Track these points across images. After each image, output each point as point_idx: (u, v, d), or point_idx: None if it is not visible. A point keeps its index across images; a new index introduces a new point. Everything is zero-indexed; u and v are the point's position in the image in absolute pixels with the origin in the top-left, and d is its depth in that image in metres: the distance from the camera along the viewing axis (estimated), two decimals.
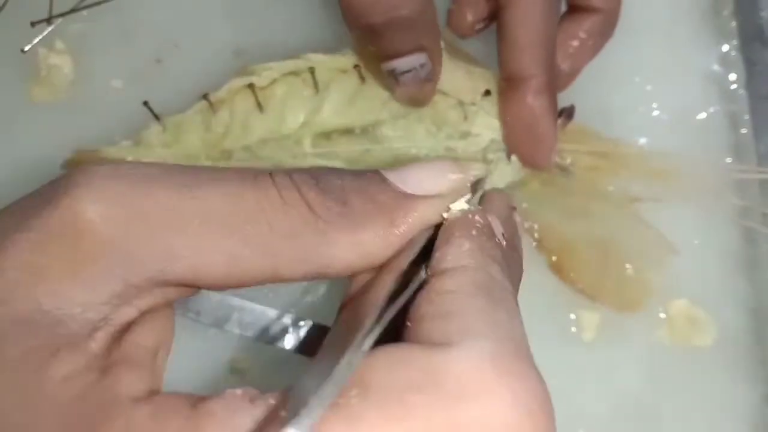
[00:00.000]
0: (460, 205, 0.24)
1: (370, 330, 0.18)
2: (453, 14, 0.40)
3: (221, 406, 0.17)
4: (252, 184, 0.21)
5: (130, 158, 0.36)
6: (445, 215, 0.23)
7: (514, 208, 0.28)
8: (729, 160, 0.42)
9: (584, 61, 0.40)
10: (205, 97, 0.36)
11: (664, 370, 0.39)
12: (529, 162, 0.37)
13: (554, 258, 0.38)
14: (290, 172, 0.21)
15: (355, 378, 0.17)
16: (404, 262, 0.21)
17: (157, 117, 0.37)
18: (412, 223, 0.22)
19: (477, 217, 0.23)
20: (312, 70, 0.37)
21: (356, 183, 0.22)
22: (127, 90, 0.41)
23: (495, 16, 0.36)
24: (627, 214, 0.38)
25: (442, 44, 0.36)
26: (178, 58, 0.41)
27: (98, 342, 0.19)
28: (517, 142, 0.36)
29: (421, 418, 0.16)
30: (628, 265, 0.38)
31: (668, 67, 0.44)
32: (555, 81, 0.36)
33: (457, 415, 0.16)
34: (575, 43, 0.39)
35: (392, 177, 0.23)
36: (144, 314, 0.21)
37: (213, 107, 0.37)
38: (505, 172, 0.37)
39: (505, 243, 0.24)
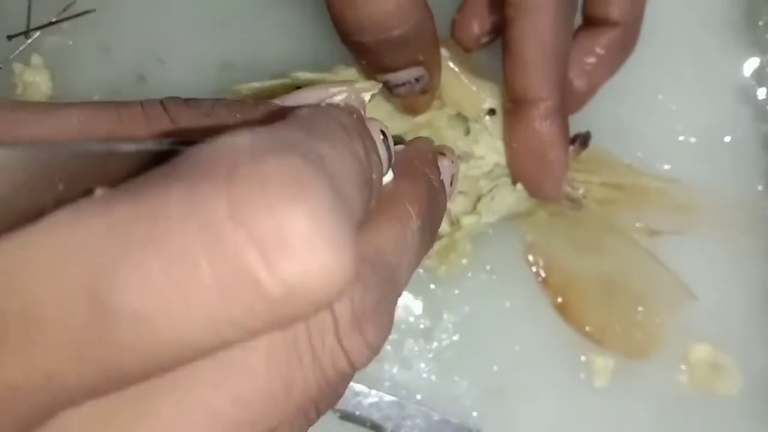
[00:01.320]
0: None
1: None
2: (458, 25, 0.37)
3: None
4: (116, 104, 0.20)
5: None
6: None
7: (442, 154, 0.26)
8: (760, 188, 0.38)
9: (601, 80, 0.36)
10: None
11: (684, 421, 0.36)
12: (535, 192, 0.33)
13: (560, 299, 0.35)
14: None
15: None
16: None
17: None
18: None
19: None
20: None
21: (229, 103, 0.21)
22: None
23: (502, 29, 0.33)
24: (641, 253, 0.35)
25: (446, 53, 0.33)
26: (161, 73, 0.39)
27: None
28: (523, 169, 0.33)
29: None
30: (639, 308, 0.34)
31: (695, 85, 0.40)
32: (566, 103, 0.32)
33: None
34: (592, 59, 0.35)
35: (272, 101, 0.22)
36: None
37: None
38: (508, 200, 0.34)
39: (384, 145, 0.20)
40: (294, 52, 0.38)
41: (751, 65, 0.40)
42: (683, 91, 0.40)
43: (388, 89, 0.32)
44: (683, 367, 0.36)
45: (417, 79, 0.31)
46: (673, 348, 0.36)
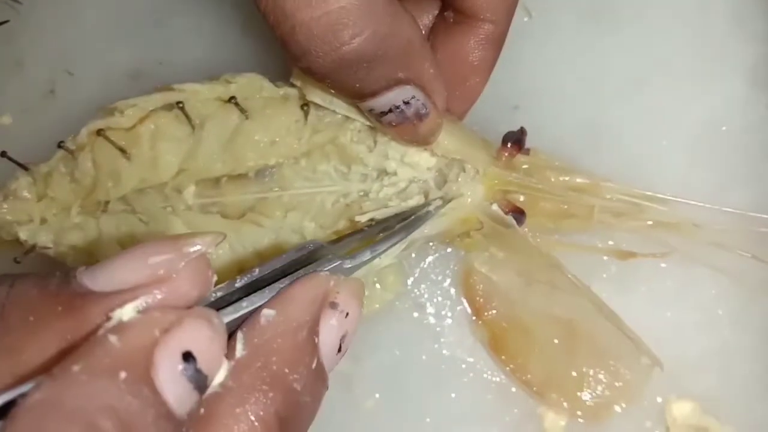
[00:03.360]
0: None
1: None
2: None
3: None
4: None
5: None
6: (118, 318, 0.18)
7: (333, 305, 0.21)
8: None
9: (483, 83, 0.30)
10: (60, 144, 0.30)
11: None
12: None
13: (496, 330, 0.29)
14: None
15: None
16: None
17: (24, 167, 0.31)
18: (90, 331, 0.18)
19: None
20: (181, 105, 0.29)
21: (21, 290, 0.19)
22: (17, 126, 0.35)
23: None
24: (595, 301, 0.28)
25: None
26: (71, 86, 0.35)
27: None
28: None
29: None
30: (594, 363, 0.28)
31: (695, 68, 0.32)
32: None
33: None
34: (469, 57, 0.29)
35: (82, 274, 0.19)
36: None
37: (74, 154, 0.30)
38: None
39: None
40: (208, 57, 0.34)
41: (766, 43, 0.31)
42: (679, 77, 0.32)
43: (375, 119, 0.27)
44: (659, 429, 0.29)
45: (407, 102, 0.25)
46: (647, 404, 0.29)
